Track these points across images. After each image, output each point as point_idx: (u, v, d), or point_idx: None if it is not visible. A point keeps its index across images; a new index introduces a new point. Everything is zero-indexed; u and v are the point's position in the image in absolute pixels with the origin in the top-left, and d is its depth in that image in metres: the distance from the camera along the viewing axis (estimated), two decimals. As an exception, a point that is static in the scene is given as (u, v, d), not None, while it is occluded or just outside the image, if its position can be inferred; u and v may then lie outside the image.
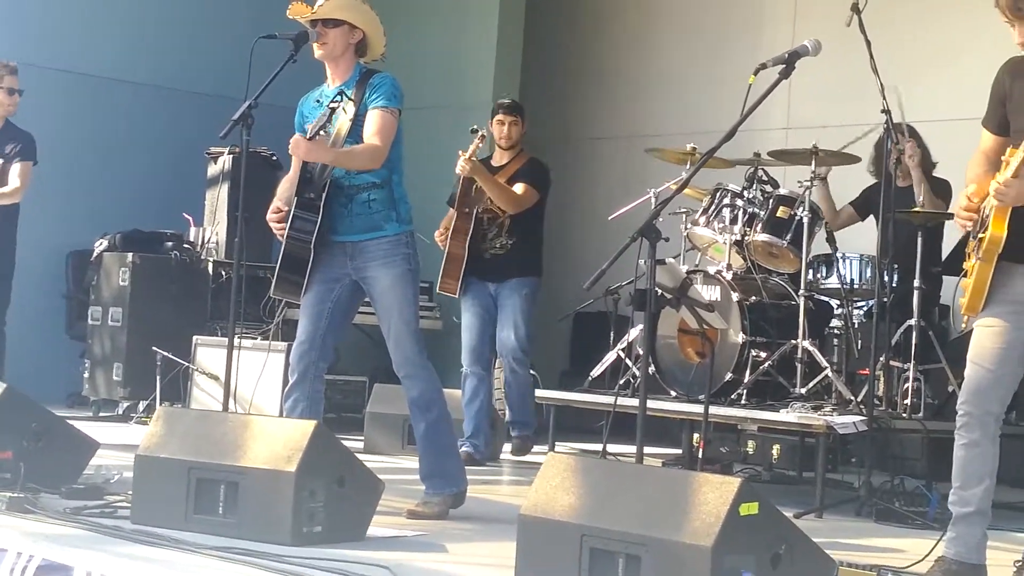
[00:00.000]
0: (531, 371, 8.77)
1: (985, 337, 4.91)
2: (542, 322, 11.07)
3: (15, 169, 8.73)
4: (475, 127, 8.29)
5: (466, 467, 6.36)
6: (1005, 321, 4.86)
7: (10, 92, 8.82)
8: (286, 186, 6.13)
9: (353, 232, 5.99)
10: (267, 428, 5.29)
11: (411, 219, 6.14)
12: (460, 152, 8.21)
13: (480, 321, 8.51)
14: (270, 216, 6.05)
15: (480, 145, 8.20)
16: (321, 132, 5.78)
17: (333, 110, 5.86)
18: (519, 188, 8.41)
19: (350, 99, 5.90)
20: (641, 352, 6.98)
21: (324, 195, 5.91)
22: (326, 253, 5.97)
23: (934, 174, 8.37)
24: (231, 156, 10.44)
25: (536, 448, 8.81)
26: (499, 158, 8.68)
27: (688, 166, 8.26)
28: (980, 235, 4.86)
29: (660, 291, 5.47)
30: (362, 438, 8.76)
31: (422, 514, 5.95)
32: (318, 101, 6.12)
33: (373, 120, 5.91)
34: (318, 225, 5.88)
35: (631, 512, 4.24)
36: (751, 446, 8.39)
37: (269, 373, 8.74)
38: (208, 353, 9.22)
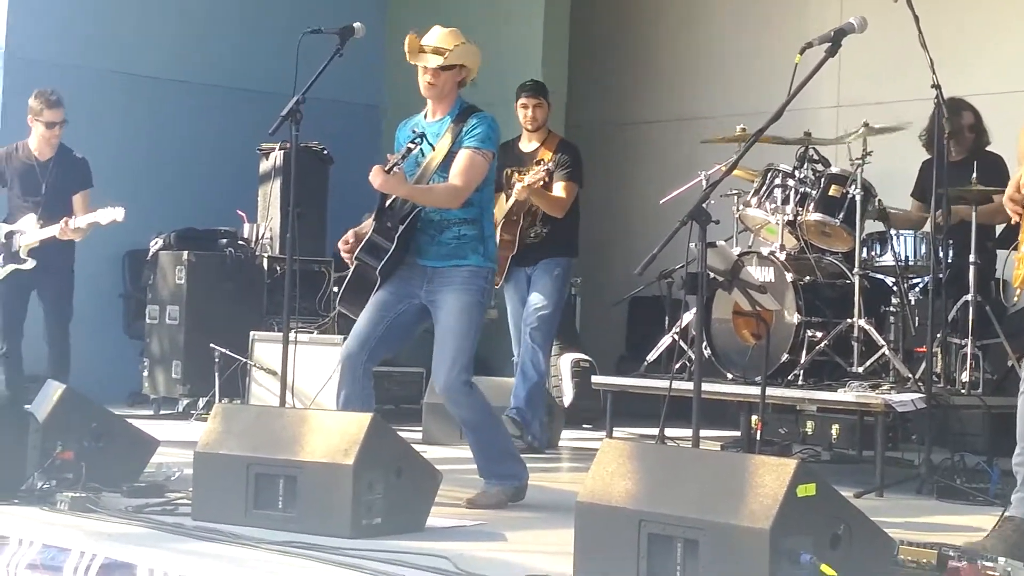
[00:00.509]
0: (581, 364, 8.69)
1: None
2: (597, 308, 11.11)
3: (79, 199, 8.80)
4: (541, 159, 8.36)
5: (523, 456, 6.38)
6: (1060, 292, 4.82)
7: (49, 125, 8.77)
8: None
9: (438, 259, 6.06)
10: (324, 422, 5.32)
11: (495, 259, 6.28)
12: (517, 176, 8.26)
13: (522, 307, 8.50)
14: (340, 245, 6.19)
15: (544, 177, 8.22)
16: (396, 168, 5.84)
17: (411, 150, 5.96)
18: (560, 190, 8.42)
19: (431, 145, 6.02)
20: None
21: (402, 226, 5.98)
22: (407, 270, 6.06)
23: (988, 149, 8.30)
24: (282, 152, 10.50)
25: (593, 434, 8.81)
26: (527, 141, 8.63)
27: (738, 147, 8.22)
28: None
29: (712, 274, 5.46)
30: (420, 429, 8.78)
31: (481, 503, 5.98)
32: (413, 131, 6.18)
33: (461, 160, 5.99)
34: (389, 254, 5.96)
35: (688, 497, 4.23)
36: (810, 427, 8.34)
37: (328, 367, 8.76)
38: (265, 348, 9.28)
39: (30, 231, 8.74)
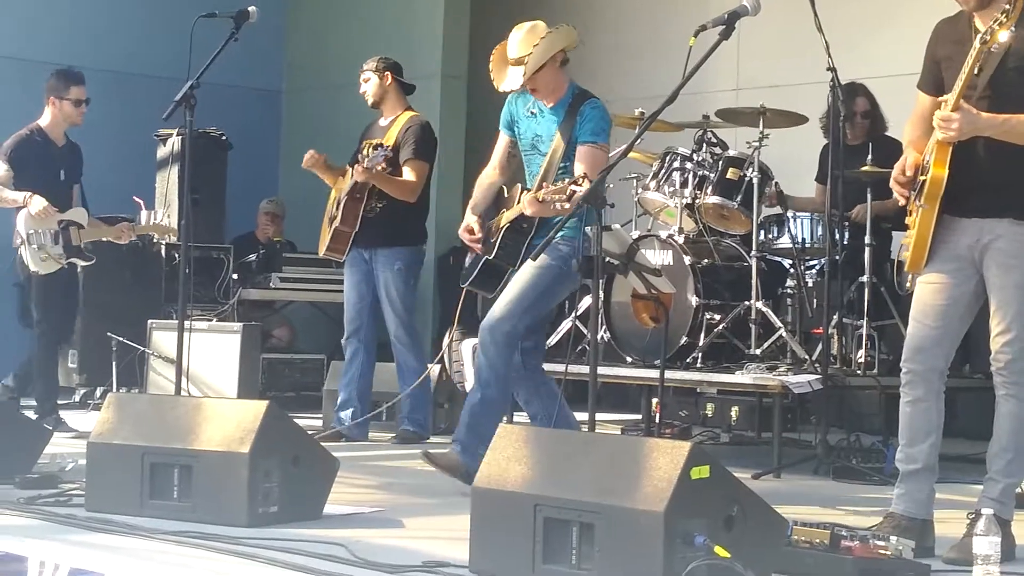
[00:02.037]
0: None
1: (927, 294, 4.92)
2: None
3: (78, 191, 8.49)
4: (379, 142, 8.15)
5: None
6: (948, 277, 4.87)
7: (76, 103, 8.34)
8: (482, 195, 6.45)
9: (544, 234, 6.02)
10: (220, 410, 5.28)
11: (581, 230, 6.25)
12: (358, 165, 7.96)
13: (355, 291, 8.25)
14: (464, 234, 6.37)
15: (381, 164, 7.95)
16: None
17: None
18: (408, 172, 8.12)
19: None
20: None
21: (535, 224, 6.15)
22: None
23: (887, 134, 8.38)
24: (179, 138, 10.37)
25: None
26: (383, 116, 8.40)
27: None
28: (922, 178, 4.86)
29: (607, 258, 5.48)
30: (320, 416, 8.74)
31: (440, 463, 6.02)
32: (532, 113, 6.31)
33: (583, 156, 6.07)
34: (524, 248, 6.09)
35: (583, 480, 4.23)
36: (710, 409, 8.43)
37: (227, 354, 8.71)
38: (164, 337, 9.17)
39: (89, 226, 8.31)
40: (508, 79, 6.23)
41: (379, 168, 7.94)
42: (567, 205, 5.73)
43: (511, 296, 6.10)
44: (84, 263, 8.35)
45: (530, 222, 6.15)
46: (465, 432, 6.07)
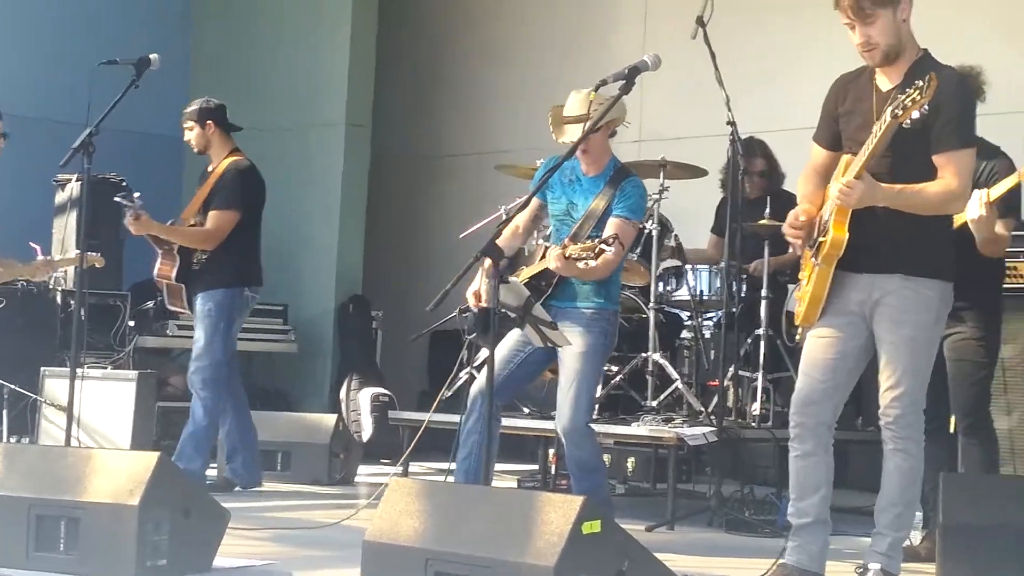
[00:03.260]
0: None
1: (817, 348, 4.98)
2: (400, 342, 11.08)
3: None
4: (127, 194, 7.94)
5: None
6: (838, 331, 4.93)
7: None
8: (505, 243, 6.04)
9: (565, 299, 6.16)
10: (109, 461, 5.19)
11: (618, 301, 6.39)
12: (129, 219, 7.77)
13: None
14: (472, 298, 6.11)
15: (138, 215, 7.74)
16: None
17: None
18: (209, 221, 7.92)
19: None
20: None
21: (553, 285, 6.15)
22: None
23: (784, 187, 8.47)
24: (79, 183, 10.28)
25: (392, 469, 8.75)
26: (211, 163, 8.24)
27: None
28: (820, 239, 4.92)
29: (504, 310, 5.49)
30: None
31: None
32: (571, 181, 6.30)
33: (616, 227, 6.03)
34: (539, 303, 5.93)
35: (475, 535, 4.24)
36: (606, 460, 8.41)
37: (119, 404, 8.59)
38: (57, 385, 9.03)
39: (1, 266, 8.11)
40: (568, 133, 6.26)
41: (139, 219, 7.74)
42: (593, 263, 5.75)
43: (575, 394, 6.06)
44: None
45: (549, 280, 6.14)
46: None
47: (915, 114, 4.66)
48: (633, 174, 6.31)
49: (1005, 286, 6.32)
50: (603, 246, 5.65)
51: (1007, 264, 6.35)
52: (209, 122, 8.08)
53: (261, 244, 8.12)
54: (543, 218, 6.57)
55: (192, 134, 8.14)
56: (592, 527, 4.10)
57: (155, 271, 8.03)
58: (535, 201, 6.27)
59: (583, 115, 6.15)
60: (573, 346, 6.03)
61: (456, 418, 6.47)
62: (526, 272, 6.24)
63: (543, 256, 6.18)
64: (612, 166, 6.30)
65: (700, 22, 7.45)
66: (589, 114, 6.05)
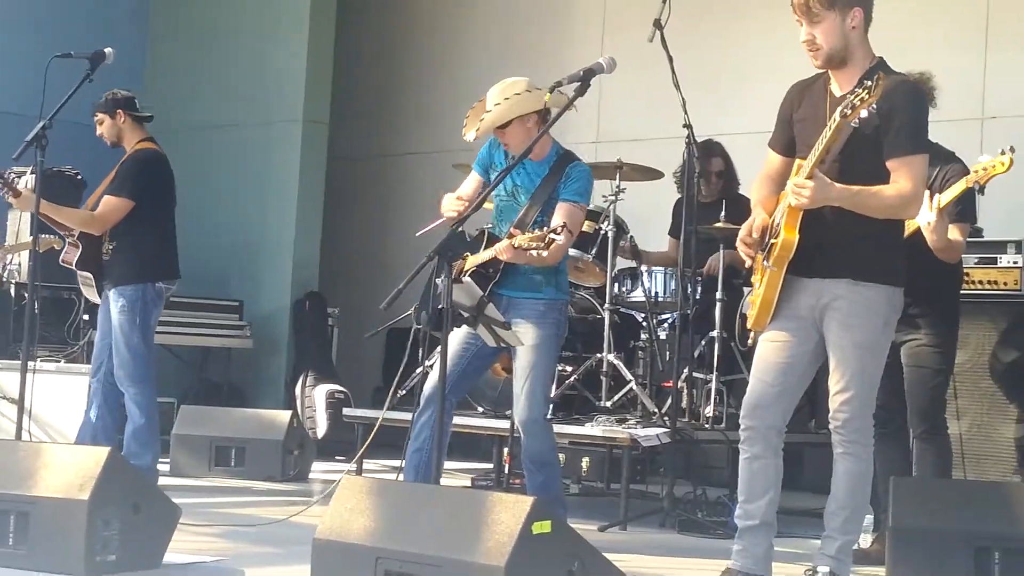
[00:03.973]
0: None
1: (768, 352, 5.00)
2: (355, 339, 11.07)
3: None
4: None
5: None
6: (790, 336, 4.95)
7: None
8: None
9: (515, 289, 6.14)
10: (59, 456, 5.16)
11: (568, 290, 6.38)
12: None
13: (100, 330, 7.92)
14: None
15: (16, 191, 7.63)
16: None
17: None
18: (100, 205, 7.77)
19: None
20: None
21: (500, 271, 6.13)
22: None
23: (740, 191, 8.50)
24: (32, 176, 10.21)
25: (346, 466, 8.74)
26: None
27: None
28: (772, 241, 4.94)
29: (457, 310, 5.49)
30: (168, 461, 8.62)
31: None
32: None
33: (564, 212, 6.04)
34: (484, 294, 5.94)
35: (426, 533, 4.24)
36: (561, 459, 8.43)
37: (75, 397, 8.56)
38: (8, 378, 9.00)
39: None
40: (470, 128, 6.23)
41: (20, 196, 7.61)
42: (544, 253, 5.76)
43: (531, 386, 6.07)
44: None
45: (496, 268, 6.13)
46: None
47: (863, 113, 4.69)
48: (578, 159, 6.30)
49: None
50: (552, 235, 5.68)
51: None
52: (119, 111, 7.87)
53: (176, 235, 7.94)
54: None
55: (103, 126, 7.95)
56: (542, 527, 4.10)
57: (60, 257, 7.93)
58: (477, 178, 6.33)
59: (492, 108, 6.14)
60: (527, 339, 6.04)
61: (406, 415, 6.49)
62: (472, 259, 6.23)
63: (487, 242, 6.19)
64: (555, 152, 6.28)
65: (657, 25, 7.46)
66: (497, 104, 6.10)
